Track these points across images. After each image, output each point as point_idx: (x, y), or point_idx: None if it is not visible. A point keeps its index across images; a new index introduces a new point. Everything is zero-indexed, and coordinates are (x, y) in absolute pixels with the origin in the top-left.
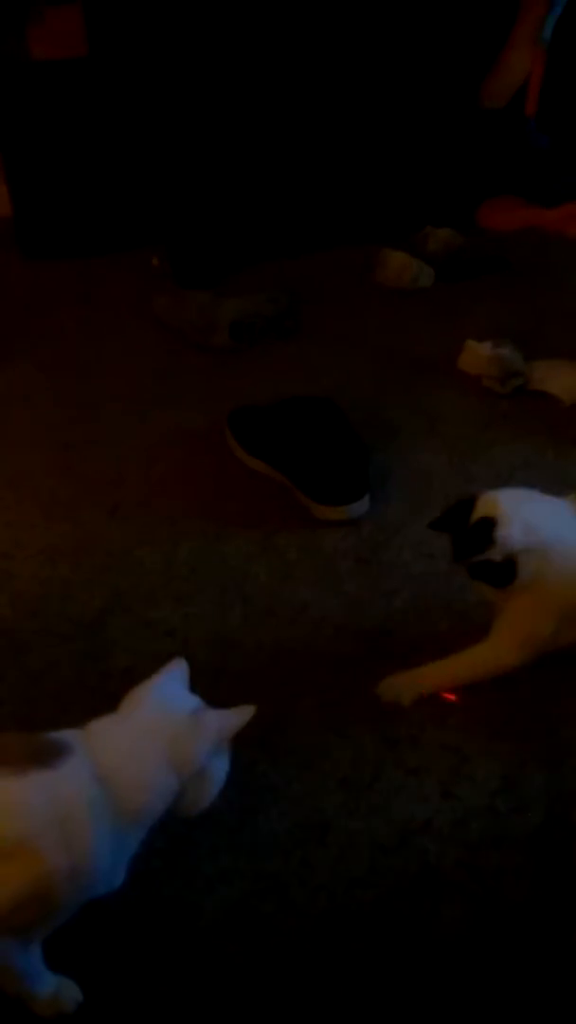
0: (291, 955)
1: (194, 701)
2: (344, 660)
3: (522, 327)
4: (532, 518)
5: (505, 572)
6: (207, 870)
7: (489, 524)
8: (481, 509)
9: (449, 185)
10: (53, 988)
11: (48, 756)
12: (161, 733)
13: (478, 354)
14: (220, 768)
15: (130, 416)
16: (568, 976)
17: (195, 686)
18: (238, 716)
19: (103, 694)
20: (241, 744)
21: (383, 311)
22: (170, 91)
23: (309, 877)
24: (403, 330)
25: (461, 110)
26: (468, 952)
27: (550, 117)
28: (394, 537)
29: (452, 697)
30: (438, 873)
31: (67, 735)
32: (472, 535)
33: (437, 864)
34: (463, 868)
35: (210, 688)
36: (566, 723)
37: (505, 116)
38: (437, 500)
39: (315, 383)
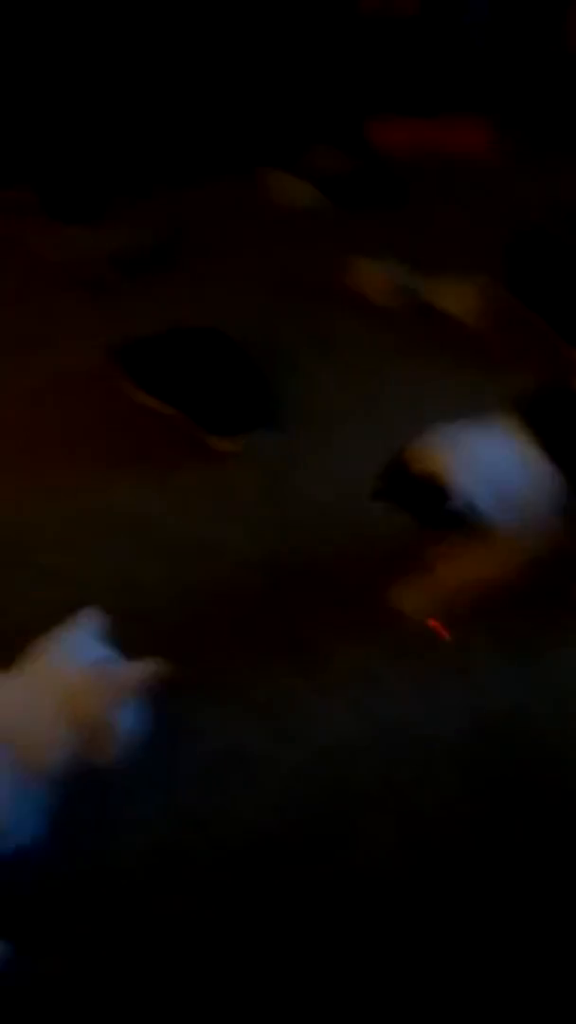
0: (214, 890)
1: (100, 653)
2: (251, 592)
3: (414, 245)
4: (468, 455)
5: (469, 515)
6: (128, 815)
7: (436, 482)
8: (419, 465)
9: (336, 102)
10: None
11: None
12: (56, 688)
13: (371, 274)
14: (128, 718)
15: (7, 359)
16: (490, 883)
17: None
18: (142, 669)
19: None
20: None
21: (273, 236)
22: (34, 19)
23: (229, 808)
24: (294, 254)
25: (339, 21)
26: (390, 865)
27: (431, 19)
28: (296, 464)
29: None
30: (357, 790)
31: None
32: (426, 499)
33: (355, 781)
34: (381, 783)
35: (117, 632)
36: (474, 633)
37: (385, 24)
38: (339, 425)
39: (205, 314)
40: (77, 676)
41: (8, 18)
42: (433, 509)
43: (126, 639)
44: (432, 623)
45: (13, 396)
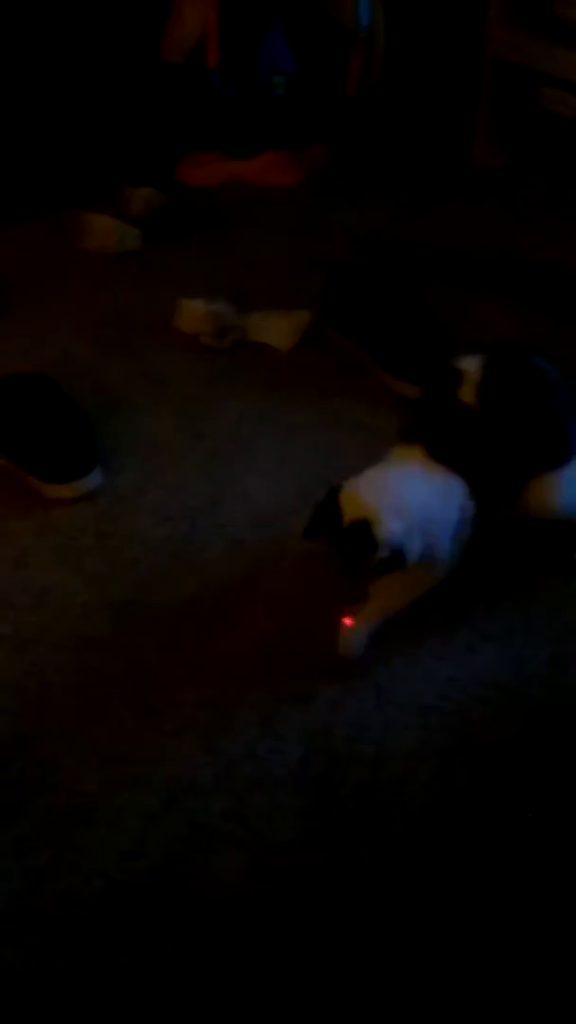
0: (64, 946)
1: None
2: (92, 639)
3: (233, 281)
4: (397, 501)
5: (398, 561)
6: None
7: (365, 527)
8: (349, 510)
9: (145, 143)
10: None
11: None
12: None
13: (193, 312)
14: None
15: None
16: (346, 903)
17: None
18: None
19: None
20: None
21: (91, 278)
22: None
23: (80, 862)
24: (115, 295)
25: (144, 67)
26: (244, 899)
27: (233, 68)
28: (131, 506)
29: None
30: (207, 828)
31: None
32: (355, 546)
33: (205, 819)
34: (231, 818)
35: None
36: (312, 660)
37: (188, 70)
38: (171, 463)
39: (29, 359)
40: None
41: None
42: (362, 557)
43: None
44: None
45: None
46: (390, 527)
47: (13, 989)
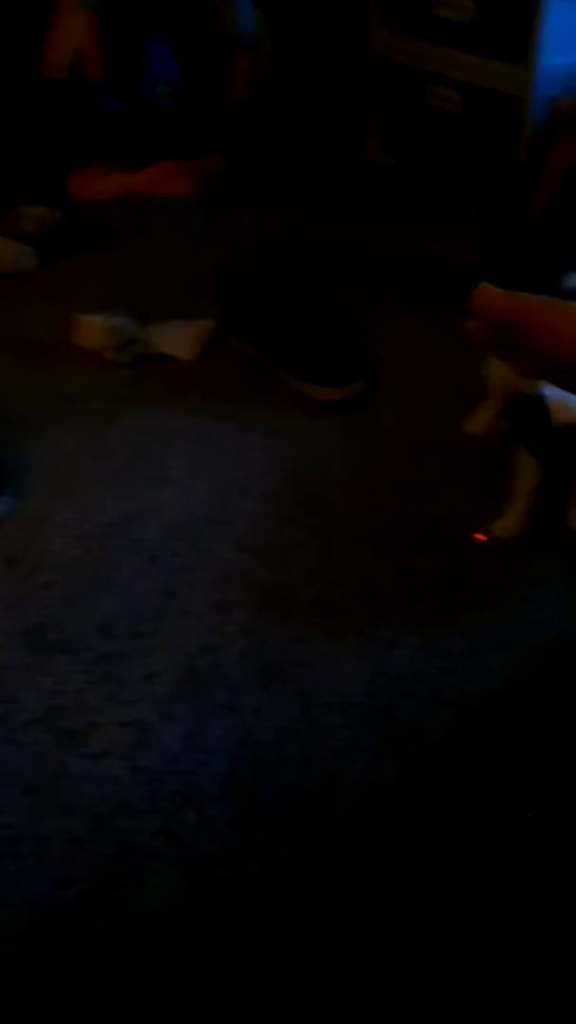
0: (2, 982)
1: None
2: (7, 666)
3: (132, 294)
4: None
5: None
6: None
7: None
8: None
9: (34, 160)
10: None
11: None
12: None
13: (93, 327)
14: None
15: None
16: (280, 910)
17: None
18: None
19: None
20: None
21: None
22: None
23: (8, 894)
24: (12, 316)
25: (27, 83)
26: (177, 916)
27: (117, 81)
28: (42, 528)
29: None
30: (137, 848)
31: None
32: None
33: (135, 840)
34: (161, 835)
35: None
36: (234, 671)
37: (72, 85)
38: (80, 481)
39: None
40: None
41: None
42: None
43: None
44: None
45: None
46: None
47: None
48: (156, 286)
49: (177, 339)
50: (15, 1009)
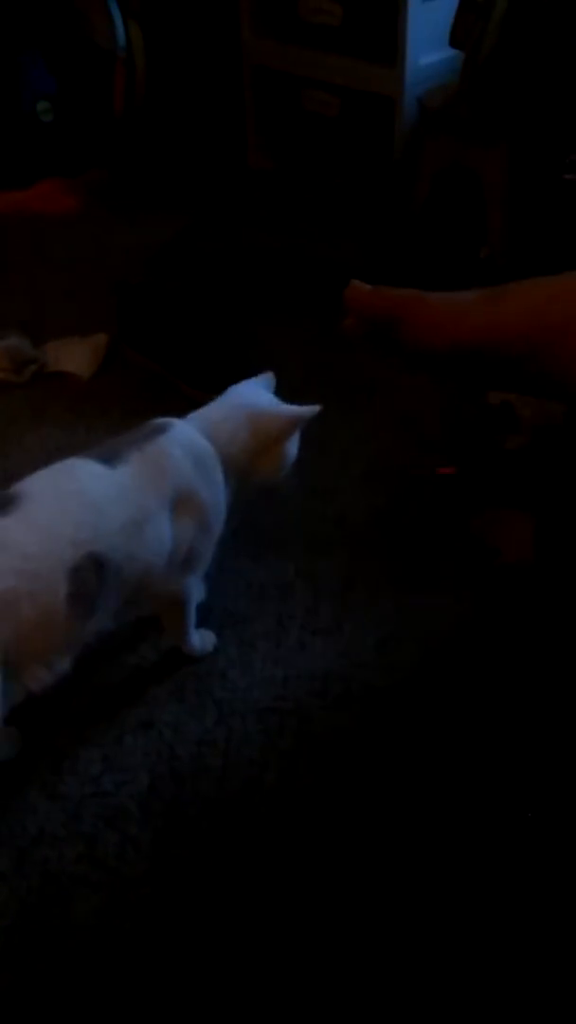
0: None
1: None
2: None
3: (23, 313)
4: None
5: None
6: None
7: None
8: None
9: None
10: None
11: None
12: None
13: None
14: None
15: None
16: (206, 925)
17: None
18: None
19: None
20: None
21: None
22: None
23: None
24: None
25: None
26: (103, 939)
27: None
28: None
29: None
30: (61, 876)
31: None
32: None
33: (59, 868)
34: (84, 860)
35: None
36: (149, 687)
37: None
38: None
39: None
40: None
41: None
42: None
43: None
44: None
45: None
46: None
47: None
48: (48, 304)
49: (73, 356)
50: None
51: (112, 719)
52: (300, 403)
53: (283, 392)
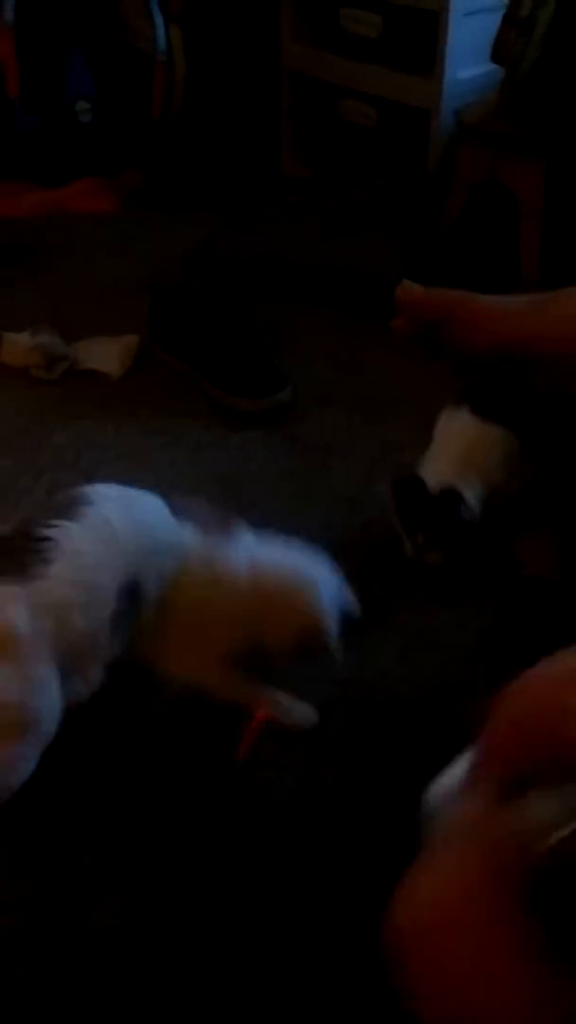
0: None
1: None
2: None
3: (56, 311)
4: None
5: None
6: None
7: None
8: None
9: None
10: None
11: None
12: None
13: (18, 345)
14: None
15: None
16: (224, 925)
17: None
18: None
19: None
20: None
21: None
22: None
23: None
24: None
25: None
26: (120, 936)
27: (35, 97)
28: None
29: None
30: (76, 873)
31: None
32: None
33: (79, 864)
34: (104, 859)
35: None
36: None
37: None
38: (10, 500)
39: None
40: None
41: None
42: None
43: None
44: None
45: None
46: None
47: None
48: (81, 302)
49: (104, 355)
50: None
51: (132, 716)
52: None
53: (312, 399)
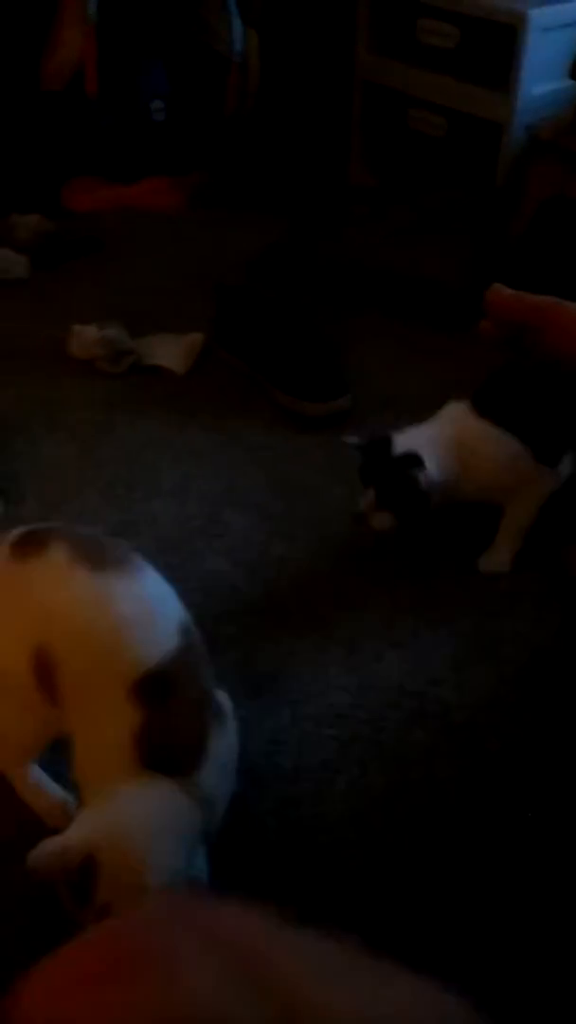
0: None
1: None
2: None
3: (124, 305)
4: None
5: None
6: None
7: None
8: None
9: (29, 170)
10: None
11: None
12: None
13: (86, 338)
14: None
15: None
16: None
17: None
18: None
19: None
20: None
21: None
22: None
23: None
24: (4, 324)
25: (24, 94)
26: None
27: (112, 95)
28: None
29: None
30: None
31: None
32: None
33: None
34: None
35: None
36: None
37: (69, 97)
38: (72, 490)
39: None
40: None
41: None
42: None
43: None
44: None
45: None
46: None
47: None
48: (147, 298)
49: (169, 352)
50: None
51: None
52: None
53: (371, 405)
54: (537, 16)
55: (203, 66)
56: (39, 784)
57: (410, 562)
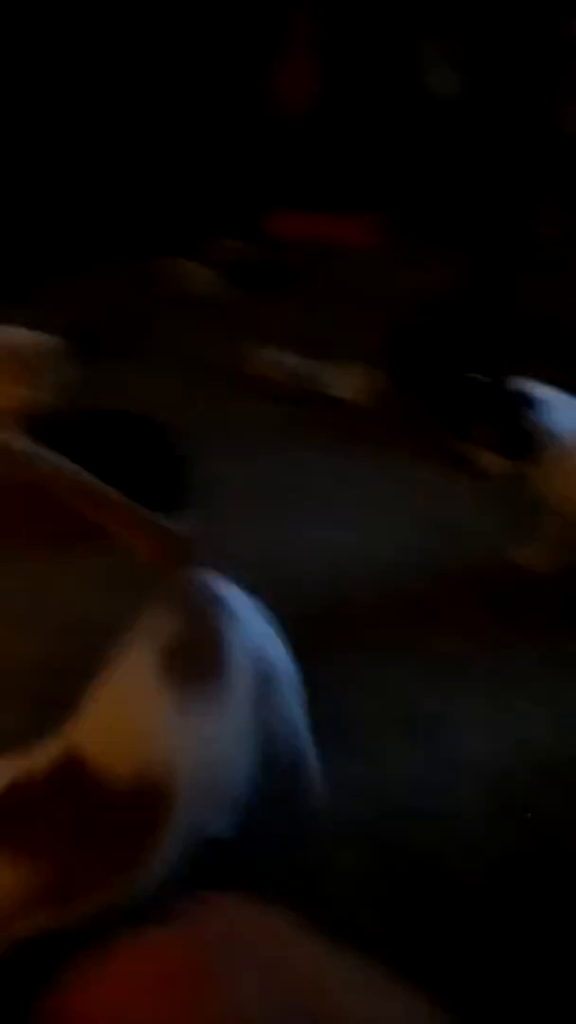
0: None
1: None
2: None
3: (309, 333)
4: None
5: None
6: None
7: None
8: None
9: (234, 195)
10: None
11: None
12: None
13: (266, 361)
14: None
15: None
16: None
17: None
18: None
19: None
20: None
21: (177, 324)
22: None
23: None
24: (198, 342)
25: (240, 122)
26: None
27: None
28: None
29: None
30: (259, 882)
31: None
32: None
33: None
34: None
35: None
36: (380, 717)
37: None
38: (242, 509)
39: (120, 397)
40: None
41: None
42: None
43: None
44: None
45: None
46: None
47: None
48: (332, 330)
49: (349, 384)
50: None
51: (336, 741)
52: None
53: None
54: None
55: (416, 108)
56: None
57: (546, 621)
